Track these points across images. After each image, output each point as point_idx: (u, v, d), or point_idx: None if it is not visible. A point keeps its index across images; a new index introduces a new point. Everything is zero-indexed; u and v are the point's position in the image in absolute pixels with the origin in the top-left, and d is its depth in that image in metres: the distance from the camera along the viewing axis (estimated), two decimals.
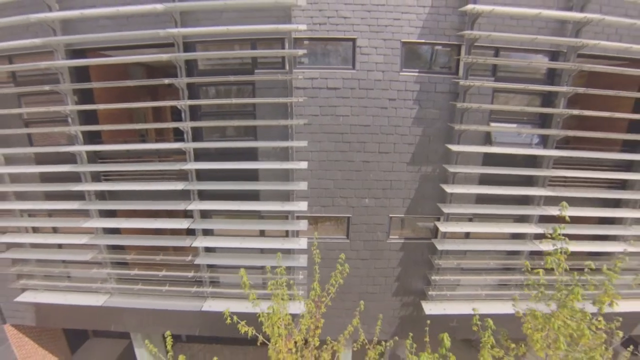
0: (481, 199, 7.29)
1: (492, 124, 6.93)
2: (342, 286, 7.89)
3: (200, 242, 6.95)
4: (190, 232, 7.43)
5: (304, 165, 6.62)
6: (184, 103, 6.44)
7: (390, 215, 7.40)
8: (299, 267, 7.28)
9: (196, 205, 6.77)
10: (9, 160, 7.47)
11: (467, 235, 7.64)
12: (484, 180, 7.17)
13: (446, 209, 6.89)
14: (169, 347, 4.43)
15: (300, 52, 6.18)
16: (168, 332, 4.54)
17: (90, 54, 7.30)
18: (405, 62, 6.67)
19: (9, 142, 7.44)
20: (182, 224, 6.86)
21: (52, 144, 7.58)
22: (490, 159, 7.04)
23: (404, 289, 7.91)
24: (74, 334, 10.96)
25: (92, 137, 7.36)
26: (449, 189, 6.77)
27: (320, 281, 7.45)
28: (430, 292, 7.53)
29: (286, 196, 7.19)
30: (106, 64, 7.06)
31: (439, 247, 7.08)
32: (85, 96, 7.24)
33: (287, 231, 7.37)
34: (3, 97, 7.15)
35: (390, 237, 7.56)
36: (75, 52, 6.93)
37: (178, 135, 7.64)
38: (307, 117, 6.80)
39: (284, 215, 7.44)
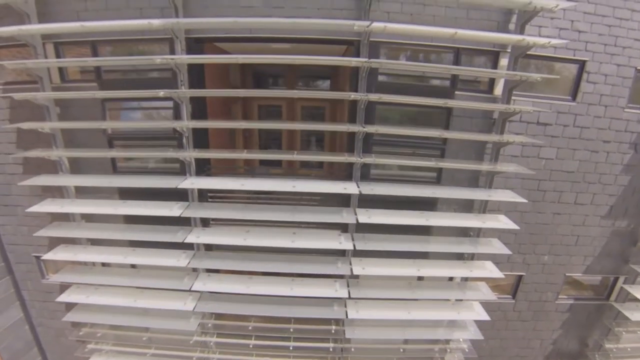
0: None
1: None
2: (492, 348, 6.36)
3: (357, 313, 4.87)
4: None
5: (508, 223, 4.66)
6: (359, 129, 4.19)
7: (567, 274, 5.74)
8: (470, 340, 5.45)
9: (363, 269, 4.63)
10: (81, 193, 4.85)
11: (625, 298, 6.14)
12: None
13: None
14: None
15: (537, 76, 4.11)
16: None
17: (206, 47, 4.78)
18: (634, 95, 4.89)
19: (80, 168, 4.80)
20: (337, 289, 4.73)
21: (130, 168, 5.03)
22: None
23: (557, 353, 6.35)
24: None
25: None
26: None
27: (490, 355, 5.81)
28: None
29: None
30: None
31: (629, 315, 5.53)
32: (197, 106, 4.75)
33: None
34: (81, 103, 4.50)
35: (560, 297, 5.92)
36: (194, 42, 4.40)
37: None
38: (505, 158, 4.87)
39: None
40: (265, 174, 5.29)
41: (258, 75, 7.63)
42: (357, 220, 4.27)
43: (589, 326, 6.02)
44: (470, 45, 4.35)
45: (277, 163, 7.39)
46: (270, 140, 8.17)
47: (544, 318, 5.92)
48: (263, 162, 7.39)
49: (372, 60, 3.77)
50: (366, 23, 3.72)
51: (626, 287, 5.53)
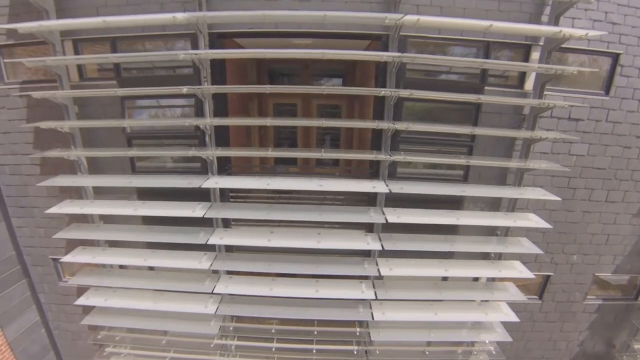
0: None
1: None
2: (517, 350, 6.20)
3: (383, 315, 4.73)
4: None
5: (539, 221, 4.49)
6: (389, 126, 4.05)
7: (595, 274, 5.58)
8: (498, 342, 5.29)
9: (390, 269, 4.49)
10: (97, 193, 4.74)
11: None
12: None
13: None
14: None
15: (573, 69, 3.95)
16: None
17: (226, 43, 4.64)
18: None
19: (97, 168, 4.68)
20: (364, 291, 4.59)
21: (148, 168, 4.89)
22: None
23: (583, 355, 6.19)
24: None
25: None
26: None
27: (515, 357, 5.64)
28: None
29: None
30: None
31: None
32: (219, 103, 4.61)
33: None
34: (100, 102, 4.38)
35: (588, 297, 5.76)
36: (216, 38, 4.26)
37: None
38: (534, 155, 4.71)
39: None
40: (285, 172, 5.14)
41: (272, 74, 7.50)
42: (385, 219, 4.11)
43: (617, 327, 5.85)
44: (500, 39, 4.20)
45: (293, 161, 7.28)
46: (284, 138, 8.05)
47: (571, 319, 5.76)
48: (278, 161, 7.30)
49: (404, 54, 3.63)
50: (398, 16, 3.57)
51: None
